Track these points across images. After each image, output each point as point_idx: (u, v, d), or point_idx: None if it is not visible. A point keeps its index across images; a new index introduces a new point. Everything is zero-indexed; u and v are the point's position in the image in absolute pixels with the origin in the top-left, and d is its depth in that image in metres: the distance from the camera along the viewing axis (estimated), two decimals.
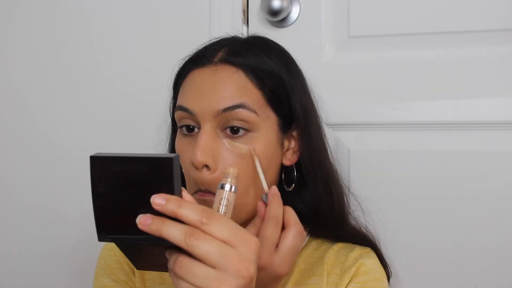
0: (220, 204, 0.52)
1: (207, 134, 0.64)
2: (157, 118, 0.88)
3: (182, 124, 0.67)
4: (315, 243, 0.76)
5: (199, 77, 0.67)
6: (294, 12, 0.89)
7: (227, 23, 0.91)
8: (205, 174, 0.63)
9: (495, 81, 0.80)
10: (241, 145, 0.65)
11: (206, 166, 0.63)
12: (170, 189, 0.46)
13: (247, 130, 0.65)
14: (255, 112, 0.65)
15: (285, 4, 0.86)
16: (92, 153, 0.43)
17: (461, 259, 0.82)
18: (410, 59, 0.84)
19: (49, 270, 1.03)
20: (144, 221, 0.45)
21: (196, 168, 0.63)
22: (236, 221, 0.64)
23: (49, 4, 1.02)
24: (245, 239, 0.47)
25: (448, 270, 0.83)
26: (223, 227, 0.46)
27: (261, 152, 0.66)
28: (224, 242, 0.45)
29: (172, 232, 0.45)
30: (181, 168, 0.66)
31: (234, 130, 0.65)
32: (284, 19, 0.89)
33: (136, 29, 0.97)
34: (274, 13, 0.86)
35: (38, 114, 1.03)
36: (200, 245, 0.44)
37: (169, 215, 0.46)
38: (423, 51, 0.84)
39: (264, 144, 0.66)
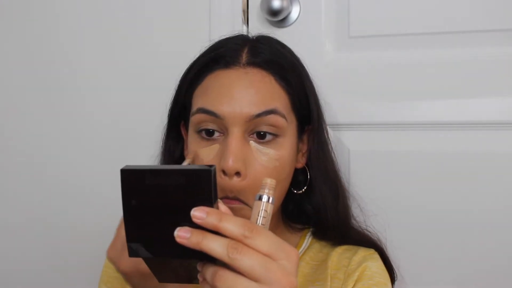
0: (258, 216, 0.51)
1: (237, 138, 0.62)
2: (158, 121, 0.88)
3: (203, 128, 0.65)
4: (318, 245, 0.75)
5: (227, 80, 0.64)
6: (294, 12, 0.89)
7: (227, 23, 0.91)
8: (236, 181, 0.61)
9: (496, 81, 0.81)
10: (267, 149, 0.64)
11: (237, 172, 0.61)
12: (208, 202, 0.45)
13: (275, 135, 0.64)
14: (285, 117, 0.64)
15: (285, 4, 0.86)
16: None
17: (464, 259, 0.82)
18: (410, 59, 0.84)
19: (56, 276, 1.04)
20: (182, 235, 0.44)
21: (226, 175, 0.61)
22: None
23: (46, 4, 1.02)
24: (287, 252, 0.46)
25: (449, 270, 0.83)
26: (265, 240, 0.45)
27: (286, 158, 0.65)
28: (266, 255, 0.44)
29: (213, 246, 0.44)
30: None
31: (261, 135, 0.64)
32: (284, 19, 0.89)
33: (135, 29, 0.97)
34: (274, 13, 0.86)
35: (35, 116, 1.03)
36: (244, 259, 0.43)
37: (209, 229, 0.44)
38: (423, 51, 0.84)
39: (290, 149, 0.66)
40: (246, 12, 0.92)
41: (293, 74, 0.68)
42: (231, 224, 0.44)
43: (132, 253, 0.47)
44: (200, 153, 0.65)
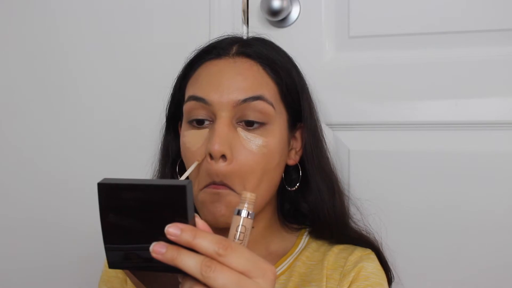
0: (236, 231, 0.51)
1: (224, 123, 0.63)
2: (158, 120, 0.88)
3: (193, 117, 0.66)
4: (314, 245, 0.75)
5: (216, 68, 0.67)
6: (294, 12, 0.89)
7: (227, 23, 0.91)
8: (221, 165, 0.62)
9: (496, 81, 0.80)
10: (254, 136, 0.65)
11: (223, 156, 0.62)
12: (183, 217, 0.45)
13: (262, 123, 0.65)
14: (272, 105, 0.66)
15: (285, 4, 0.86)
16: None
17: (462, 260, 0.82)
18: (410, 59, 0.84)
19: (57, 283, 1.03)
20: (158, 250, 0.44)
21: (212, 159, 0.62)
22: None
23: (46, 4, 1.02)
24: (262, 270, 0.45)
25: (448, 271, 0.83)
26: (240, 258, 0.44)
27: (274, 146, 0.66)
28: (241, 273, 0.44)
29: (187, 262, 0.43)
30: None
31: (249, 123, 0.65)
32: (284, 19, 0.89)
33: (135, 29, 0.97)
34: (274, 13, 0.86)
35: (35, 116, 1.03)
36: (217, 278, 0.43)
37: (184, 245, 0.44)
38: (423, 51, 0.84)
39: (278, 138, 0.67)
40: (246, 12, 0.92)
41: (282, 67, 0.69)
42: (206, 241, 0.44)
43: (111, 265, 0.47)
44: (190, 139, 0.66)
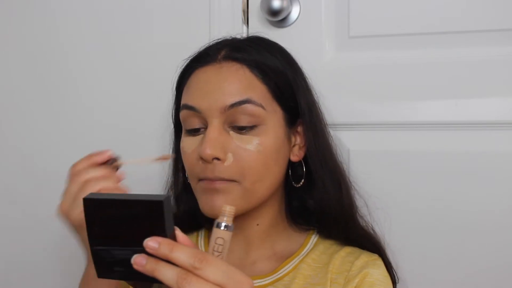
0: (216, 243, 0.53)
1: (215, 128, 0.65)
2: (158, 121, 0.88)
3: (187, 126, 0.68)
4: (322, 247, 0.73)
5: (204, 75, 0.68)
6: (294, 12, 0.89)
7: (227, 23, 0.91)
8: (217, 163, 0.64)
9: (496, 81, 0.80)
10: (248, 136, 0.66)
11: (217, 158, 0.64)
12: (162, 231, 0.47)
13: (254, 126, 0.66)
14: (262, 106, 0.66)
15: (285, 4, 0.86)
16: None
17: (462, 260, 0.82)
18: (410, 59, 0.84)
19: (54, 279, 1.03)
20: (139, 262, 0.46)
21: (205, 161, 0.64)
22: (247, 207, 0.65)
23: (46, 4, 1.02)
24: (239, 282, 0.47)
25: (449, 270, 0.83)
26: (216, 270, 0.46)
27: (269, 145, 0.66)
28: (217, 285, 0.46)
29: (165, 274, 0.46)
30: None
31: (241, 126, 0.66)
32: (284, 19, 0.89)
33: (135, 29, 0.97)
34: (274, 13, 0.86)
35: (34, 117, 1.03)
36: None
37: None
38: (423, 51, 0.84)
39: (272, 137, 0.67)
40: (246, 12, 0.92)
41: (271, 67, 0.69)
42: (182, 254, 0.46)
43: (99, 274, 0.50)
44: (186, 144, 0.69)
